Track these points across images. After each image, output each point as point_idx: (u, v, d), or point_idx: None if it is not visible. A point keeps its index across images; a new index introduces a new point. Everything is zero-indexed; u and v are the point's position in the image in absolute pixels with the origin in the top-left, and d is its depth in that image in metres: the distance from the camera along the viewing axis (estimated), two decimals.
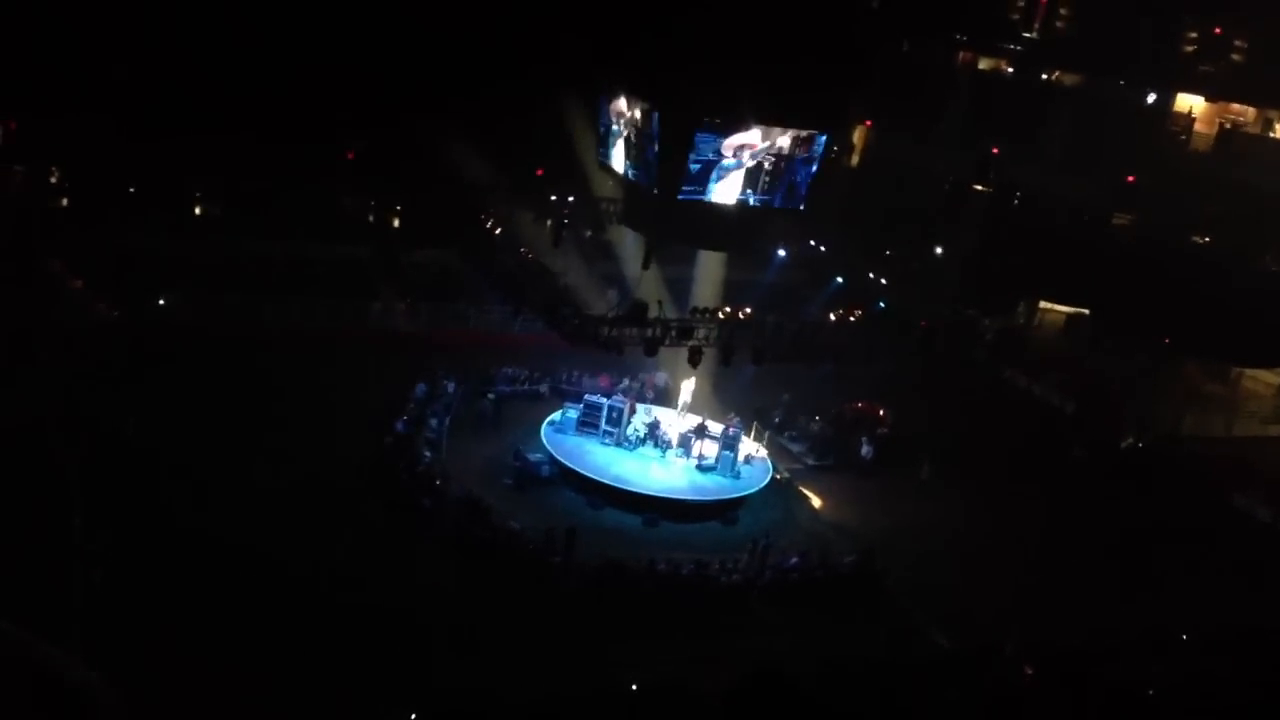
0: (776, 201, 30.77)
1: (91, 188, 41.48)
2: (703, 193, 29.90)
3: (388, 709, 20.02)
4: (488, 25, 39.58)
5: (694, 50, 28.28)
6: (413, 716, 19.72)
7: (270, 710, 19.89)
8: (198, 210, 44.55)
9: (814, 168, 30.66)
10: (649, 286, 32.74)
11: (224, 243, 41.13)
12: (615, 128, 32.21)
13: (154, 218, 41.09)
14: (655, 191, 30.73)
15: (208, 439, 29.58)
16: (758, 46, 27.90)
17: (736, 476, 31.88)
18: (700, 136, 28.81)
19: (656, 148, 29.99)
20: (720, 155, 29.34)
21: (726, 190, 30.06)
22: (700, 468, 32.03)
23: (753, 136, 29.38)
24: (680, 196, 29.83)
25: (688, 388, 33.75)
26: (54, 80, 37.99)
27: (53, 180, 42.52)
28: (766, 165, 29.92)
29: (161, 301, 37.83)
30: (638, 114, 30.72)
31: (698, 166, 29.34)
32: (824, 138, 30.41)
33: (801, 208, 31.31)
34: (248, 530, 25.33)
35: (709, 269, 36.21)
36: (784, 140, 29.66)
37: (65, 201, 42.45)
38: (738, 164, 29.62)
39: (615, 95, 31.74)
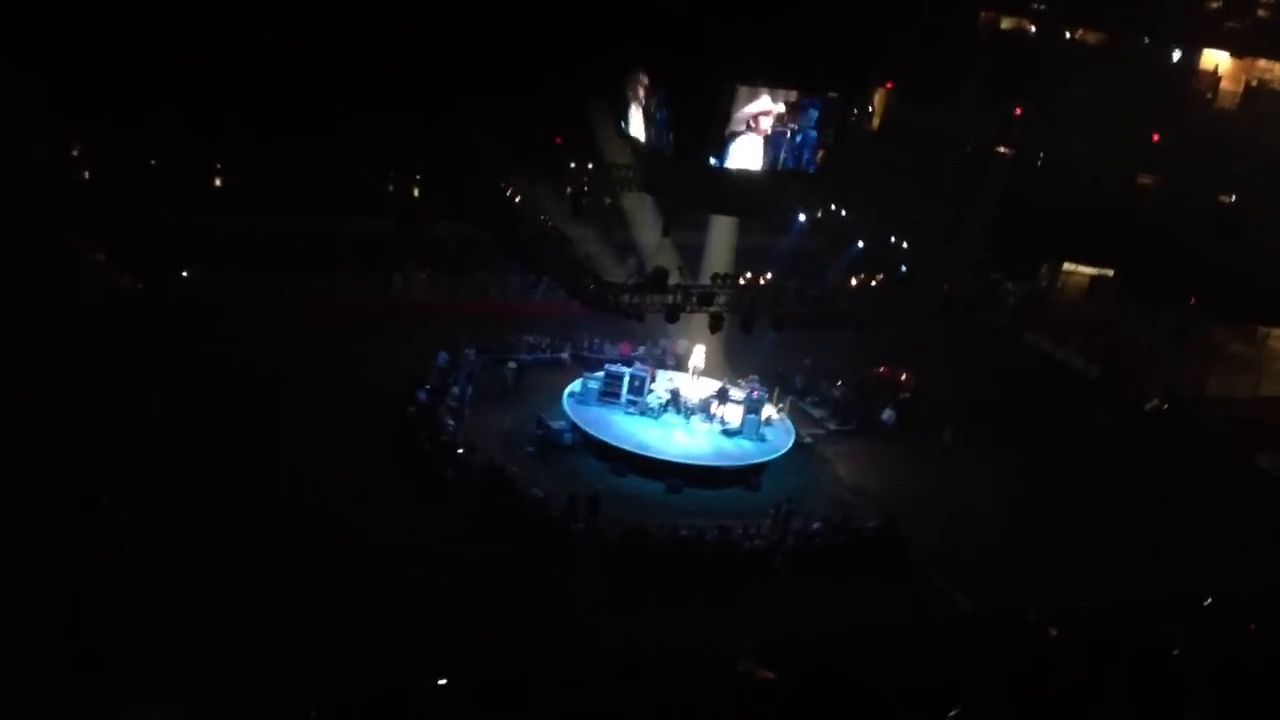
0: (788, 165, 30.51)
1: (112, 161, 41.53)
2: (719, 159, 29.73)
3: (414, 676, 20.18)
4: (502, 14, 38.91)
5: (709, 13, 27.97)
6: (441, 683, 19.88)
7: (297, 679, 20.10)
8: (218, 182, 44.59)
9: (821, 132, 30.35)
10: (665, 253, 32.63)
11: (245, 216, 41.20)
12: (631, 96, 31.97)
13: (175, 191, 41.17)
14: (673, 158, 30.56)
15: (230, 412, 29.81)
16: (775, 9, 27.59)
17: (762, 439, 31.89)
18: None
19: (671, 115, 29.82)
20: (733, 123, 29.10)
21: (741, 156, 29.81)
22: (725, 432, 32.05)
23: (762, 104, 29.13)
24: (698, 162, 29.67)
25: (699, 352, 33.74)
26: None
27: (74, 153, 42.58)
28: (778, 130, 29.63)
29: (184, 275, 38.00)
30: (650, 83, 30.52)
31: (713, 132, 29.13)
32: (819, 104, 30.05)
33: (811, 171, 31.05)
34: (272, 501, 25.56)
35: (722, 235, 36.06)
36: (782, 107, 29.39)
37: (86, 174, 42.52)
38: (749, 130, 29.39)
39: (632, 72, 31.53)
